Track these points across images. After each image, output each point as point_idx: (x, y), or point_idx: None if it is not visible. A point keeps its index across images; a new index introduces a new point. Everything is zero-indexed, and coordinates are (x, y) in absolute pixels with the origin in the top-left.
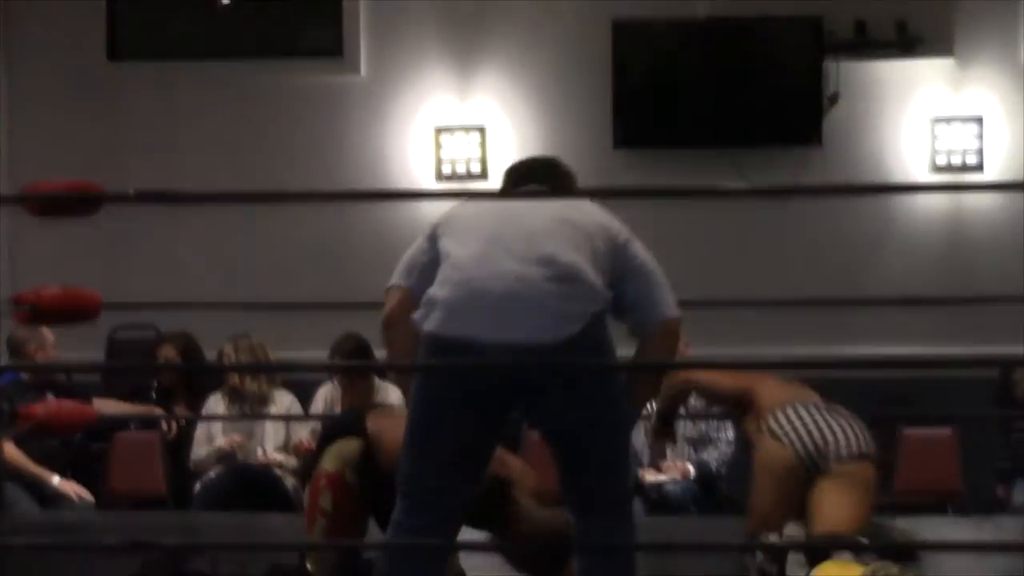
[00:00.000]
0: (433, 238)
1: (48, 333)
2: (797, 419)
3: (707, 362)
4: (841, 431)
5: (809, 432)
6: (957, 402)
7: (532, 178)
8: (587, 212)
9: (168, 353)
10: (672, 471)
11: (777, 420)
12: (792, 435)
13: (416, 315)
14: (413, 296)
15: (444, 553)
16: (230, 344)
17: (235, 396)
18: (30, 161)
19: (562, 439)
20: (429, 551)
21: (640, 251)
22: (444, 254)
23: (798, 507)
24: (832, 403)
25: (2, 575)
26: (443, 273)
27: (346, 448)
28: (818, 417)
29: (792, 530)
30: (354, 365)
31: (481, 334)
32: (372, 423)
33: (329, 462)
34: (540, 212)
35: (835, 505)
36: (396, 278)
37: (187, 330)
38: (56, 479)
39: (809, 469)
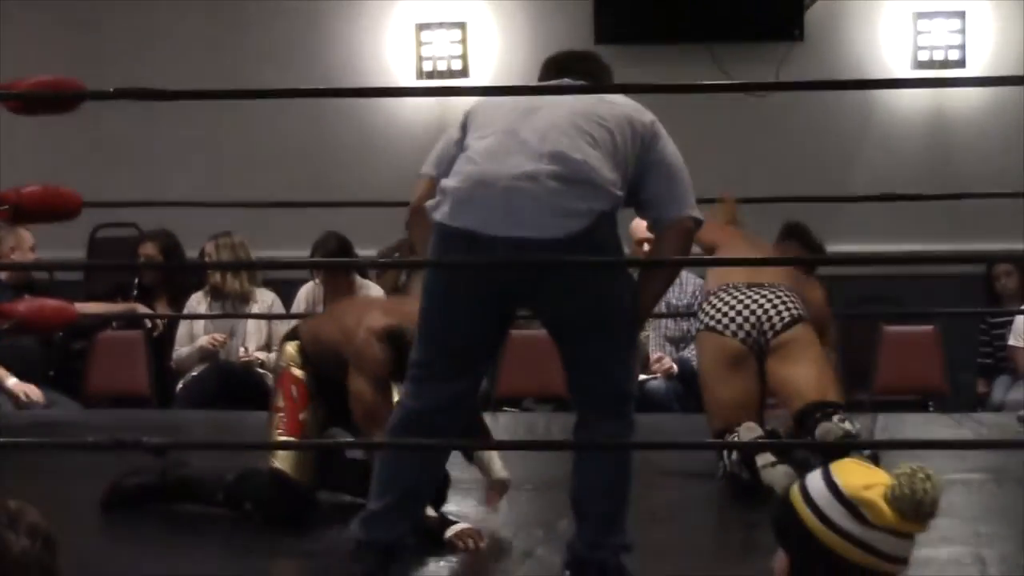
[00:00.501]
0: (463, 127)
1: (26, 233)
2: (731, 301)
3: (701, 260)
4: (770, 303)
5: (740, 313)
6: (940, 299)
7: (568, 71)
8: (615, 104)
9: (149, 251)
10: (657, 369)
11: (713, 306)
12: (726, 320)
13: (429, 203)
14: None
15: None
16: (212, 243)
17: (216, 294)
18: (8, 61)
19: (563, 334)
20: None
21: (667, 147)
22: (466, 145)
23: (756, 392)
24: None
25: None
26: (458, 164)
27: (288, 347)
28: (746, 296)
29: (749, 429)
30: (335, 263)
31: (483, 227)
32: (306, 323)
33: (280, 360)
34: (564, 106)
35: (798, 376)
36: (426, 167)
37: (168, 229)
38: (12, 380)
39: (753, 349)
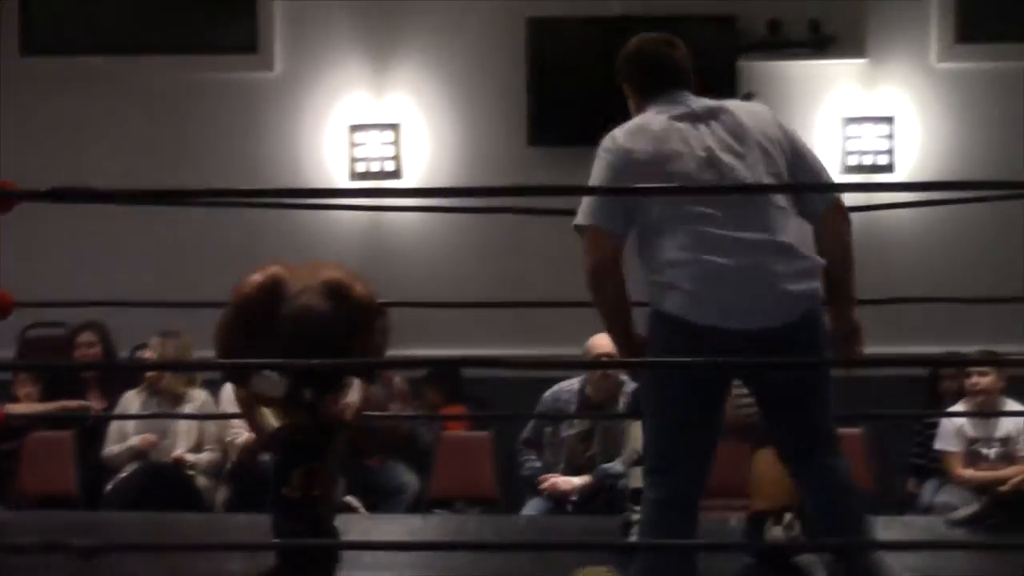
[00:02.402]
0: (625, 176)
1: None
2: None
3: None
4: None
5: None
6: (878, 399)
7: (676, 81)
8: (759, 121)
9: (87, 338)
10: None
11: None
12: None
13: (646, 292)
14: (620, 242)
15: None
16: (159, 339)
17: (153, 392)
18: None
19: (782, 399)
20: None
21: (800, 140)
22: (647, 205)
23: None
24: None
25: None
26: (671, 244)
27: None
28: None
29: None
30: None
31: (723, 321)
32: None
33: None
34: (726, 140)
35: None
36: (594, 218)
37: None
38: None
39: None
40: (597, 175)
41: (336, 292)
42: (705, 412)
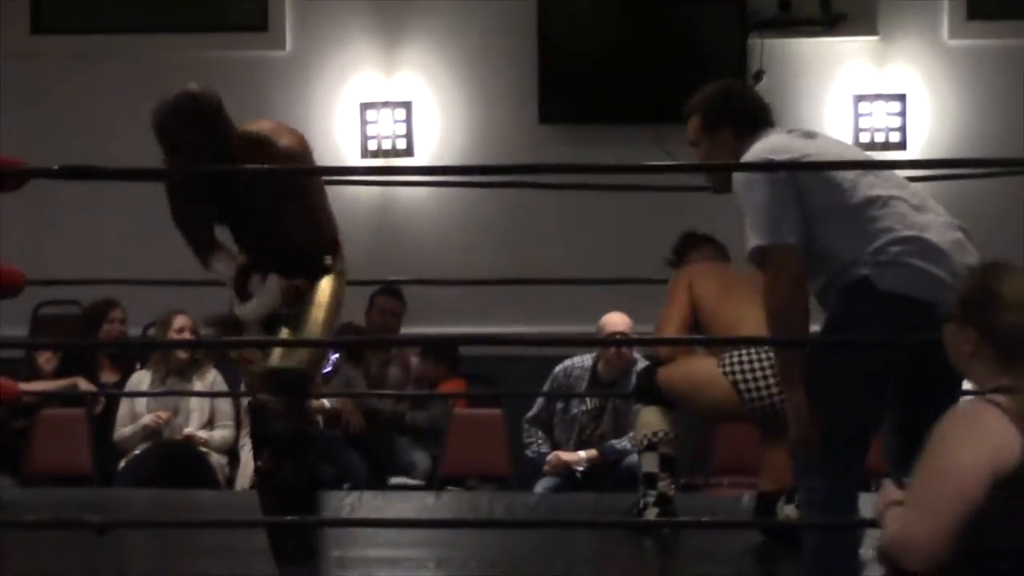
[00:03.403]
0: (793, 188)
1: None
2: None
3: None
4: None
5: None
6: None
7: (769, 116)
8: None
9: (119, 315)
10: None
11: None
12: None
13: (859, 272)
14: (800, 254)
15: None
16: (180, 316)
17: (161, 367)
18: None
19: (931, 394)
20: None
21: None
22: (824, 206)
23: None
24: None
25: None
26: (886, 223)
27: None
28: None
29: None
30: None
31: (935, 296)
32: None
33: None
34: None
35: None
36: (779, 235)
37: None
38: None
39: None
40: (766, 194)
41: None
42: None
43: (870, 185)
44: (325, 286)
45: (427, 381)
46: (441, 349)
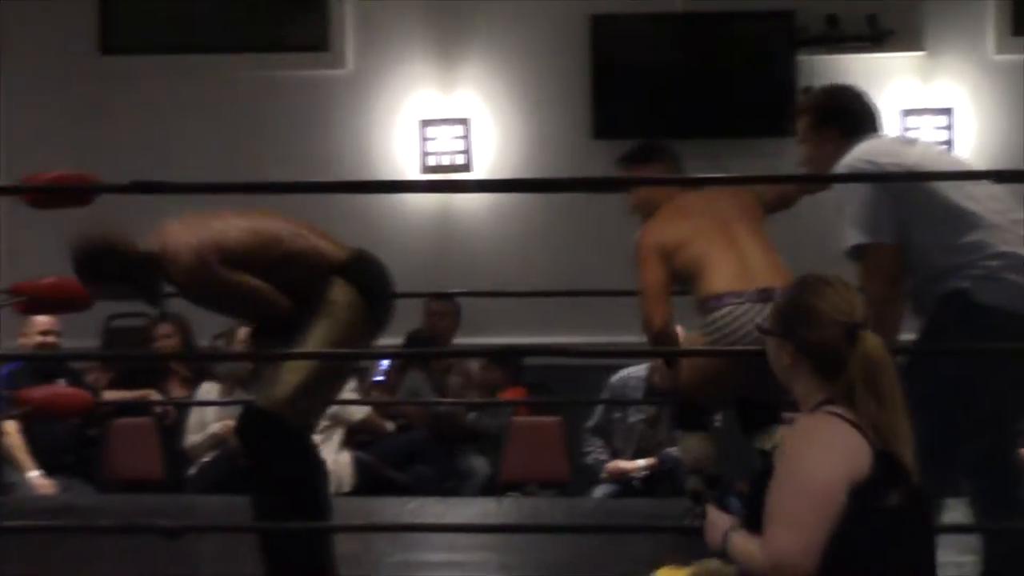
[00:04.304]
0: (891, 191)
1: (38, 318)
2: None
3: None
4: None
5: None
6: None
7: (875, 121)
8: None
9: (166, 330)
10: None
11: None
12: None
13: (955, 284)
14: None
15: None
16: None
17: (227, 378)
18: (26, 153)
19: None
20: None
21: None
22: (919, 211)
23: None
24: None
25: (4, 555)
26: (979, 237)
27: None
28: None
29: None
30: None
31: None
32: None
33: None
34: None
35: None
36: (877, 235)
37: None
38: (34, 473)
39: None
40: (867, 193)
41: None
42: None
43: (966, 196)
44: (313, 327)
45: (490, 390)
46: (503, 358)
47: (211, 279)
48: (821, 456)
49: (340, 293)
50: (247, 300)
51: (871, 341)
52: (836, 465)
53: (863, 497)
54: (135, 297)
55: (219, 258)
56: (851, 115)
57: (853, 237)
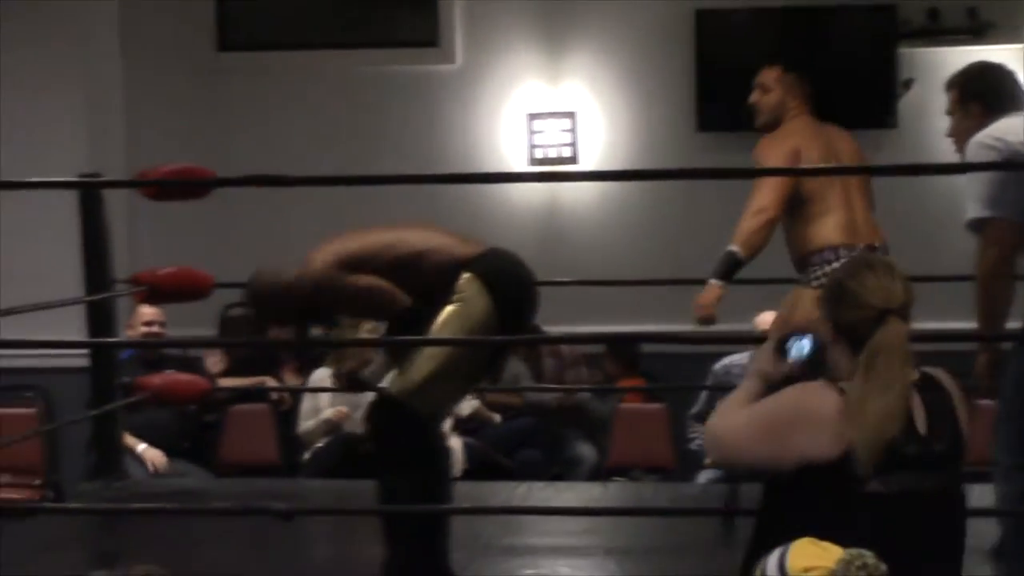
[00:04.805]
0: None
1: (145, 309)
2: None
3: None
4: None
5: None
6: None
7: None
8: None
9: None
10: None
11: None
12: None
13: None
14: (1016, 229)
15: None
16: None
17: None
18: (146, 147)
19: None
20: None
21: None
22: None
23: None
24: None
25: (124, 538)
26: None
27: None
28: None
29: None
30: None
31: None
32: None
33: None
34: None
35: None
36: (998, 209)
37: None
38: (142, 446)
39: None
40: (986, 173)
41: None
42: None
43: None
44: (438, 319)
45: (608, 379)
46: (621, 348)
47: (330, 284)
48: (789, 406)
49: (467, 287)
50: (367, 298)
51: (892, 327)
52: (797, 422)
53: (830, 478)
54: (312, 325)
55: (336, 262)
56: (995, 93)
57: (973, 210)
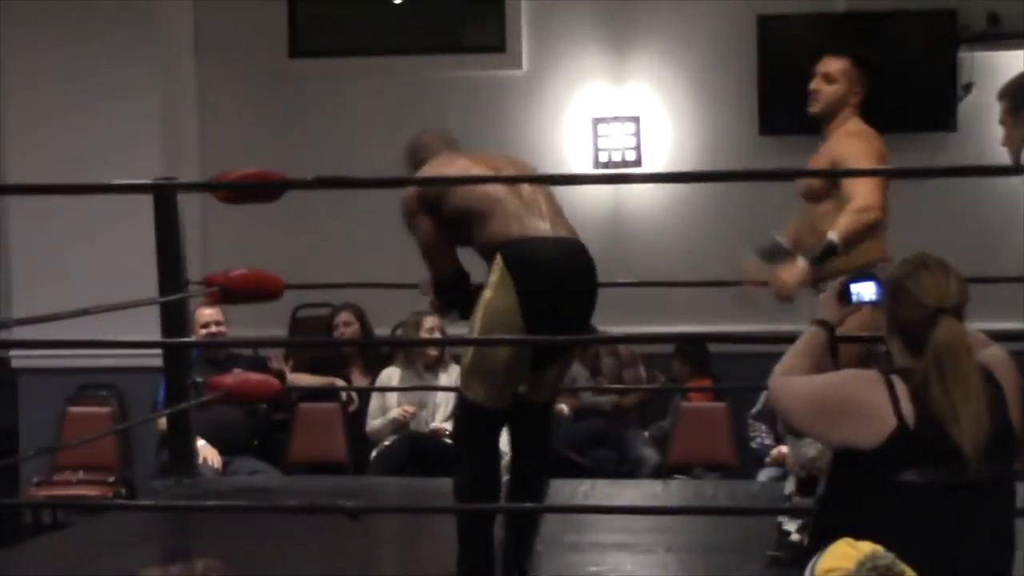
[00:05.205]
0: None
1: (203, 311)
2: None
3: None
4: None
5: None
6: None
7: None
8: None
9: (346, 318)
10: None
11: None
12: None
13: None
14: None
15: None
16: (432, 318)
17: (409, 364)
18: (218, 152)
19: None
20: None
21: None
22: None
23: None
24: None
25: (195, 534)
26: None
27: None
28: None
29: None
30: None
31: None
32: None
33: None
34: None
35: None
36: None
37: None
38: (200, 442)
39: None
40: None
41: None
42: None
43: None
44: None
45: (675, 379)
46: (690, 350)
47: (408, 219)
48: (843, 393)
49: (496, 273)
50: (423, 248)
51: (948, 326)
52: (847, 411)
53: (868, 466)
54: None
55: (418, 196)
56: None
57: None
